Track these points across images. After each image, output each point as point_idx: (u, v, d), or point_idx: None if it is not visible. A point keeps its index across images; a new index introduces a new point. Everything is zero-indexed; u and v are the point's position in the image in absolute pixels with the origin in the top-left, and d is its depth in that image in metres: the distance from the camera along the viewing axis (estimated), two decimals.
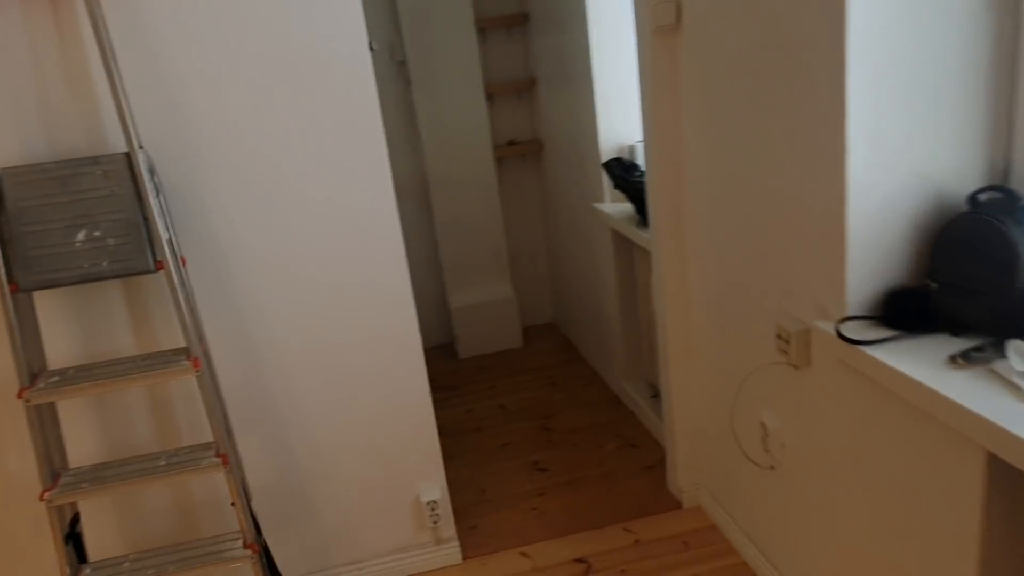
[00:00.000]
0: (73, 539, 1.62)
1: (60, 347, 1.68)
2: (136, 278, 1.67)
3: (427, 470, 1.97)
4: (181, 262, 1.60)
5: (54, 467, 1.56)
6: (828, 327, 1.31)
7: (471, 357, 3.45)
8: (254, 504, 1.85)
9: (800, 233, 1.39)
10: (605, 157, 2.54)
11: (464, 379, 3.23)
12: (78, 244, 1.49)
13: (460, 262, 3.38)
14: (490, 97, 3.37)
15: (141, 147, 1.49)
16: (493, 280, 3.43)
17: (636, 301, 2.65)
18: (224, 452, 1.59)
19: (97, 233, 1.50)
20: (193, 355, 1.54)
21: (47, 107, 1.55)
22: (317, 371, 1.82)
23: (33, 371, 1.53)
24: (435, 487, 1.99)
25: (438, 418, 2.89)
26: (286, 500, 1.90)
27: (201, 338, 1.64)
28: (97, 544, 1.82)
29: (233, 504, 1.61)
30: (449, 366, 3.38)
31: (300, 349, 1.80)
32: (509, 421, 2.81)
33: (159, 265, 1.52)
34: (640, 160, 2.44)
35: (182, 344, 1.68)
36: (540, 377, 3.15)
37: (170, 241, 1.53)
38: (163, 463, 1.59)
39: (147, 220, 1.50)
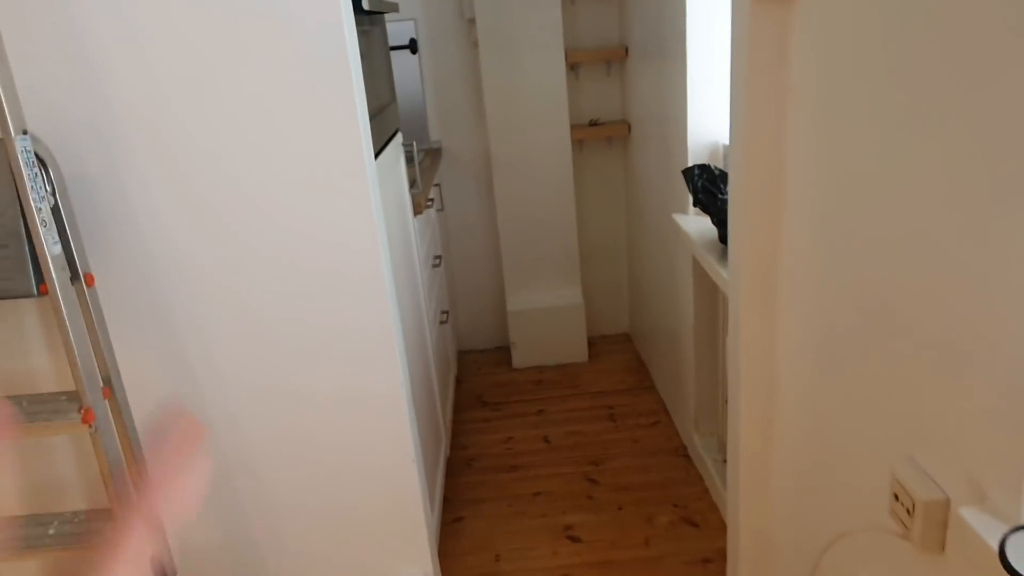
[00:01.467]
0: None
1: None
2: None
3: (410, 550, 1.56)
4: (86, 281, 1.24)
5: None
6: (983, 523, 0.77)
7: (526, 368, 3.00)
8: (190, 564, 1.51)
9: (974, 350, 0.83)
10: (692, 158, 1.98)
11: (512, 395, 2.80)
12: None
13: (523, 259, 2.92)
14: (573, 67, 2.84)
15: (25, 132, 1.12)
16: (560, 282, 2.95)
17: (716, 345, 2.10)
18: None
19: None
20: (85, 405, 1.18)
21: None
22: (275, 424, 1.44)
23: None
24: (417, 572, 1.58)
25: (472, 445, 2.49)
26: (233, 567, 1.55)
27: (110, 378, 1.28)
28: None
29: None
30: (499, 377, 2.95)
31: (253, 396, 1.42)
32: (551, 462, 2.36)
33: (42, 289, 1.16)
34: None
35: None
36: (599, 406, 2.66)
37: (64, 256, 1.17)
38: (51, 532, 1.26)
39: (29, 229, 1.13)
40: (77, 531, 1.25)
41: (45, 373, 1.39)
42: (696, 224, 1.96)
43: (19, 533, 1.27)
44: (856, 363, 1.09)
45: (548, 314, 2.94)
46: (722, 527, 1.98)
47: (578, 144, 2.94)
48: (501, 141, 2.76)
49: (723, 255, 1.70)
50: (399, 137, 1.90)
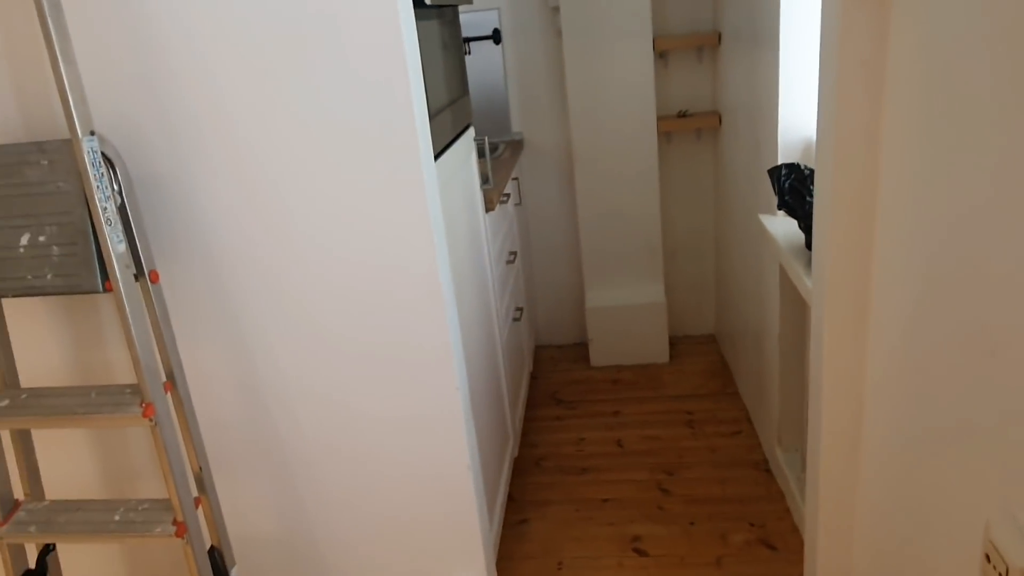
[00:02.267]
0: (38, 571, 1.41)
1: (49, 355, 1.44)
2: None
3: (465, 556, 1.54)
4: (151, 278, 1.27)
5: (4, 499, 1.33)
6: None
7: (604, 367, 2.92)
8: (248, 553, 1.54)
9: None
10: (782, 155, 1.83)
11: (587, 394, 2.73)
12: (21, 250, 1.20)
13: (603, 254, 2.83)
14: (662, 55, 2.71)
15: (92, 132, 1.14)
16: (642, 279, 2.85)
17: (803, 356, 1.95)
18: (183, 519, 1.27)
19: (42, 238, 1.20)
20: (147, 399, 1.21)
21: (21, 69, 1.26)
22: (331, 426, 1.44)
23: None
24: None
25: (542, 444, 2.44)
26: (291, 556, 1.57)
27: (173, 373, 1.31)
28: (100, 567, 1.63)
29: None
30: (575, 374, 2.89)
31: (311, 398, 1.42)
32: (622, 467, 2.28)
33: (107, 286, 1.19)
34: None
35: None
36: (677, 411, 2.55)
37: (129, 254, 1.19)
38: (116, 519, 1.30)
39: (95, 227, 1.16)
40: (139, 519, 1.29)
41: (120, 364, 1.44)
42: (783, 227, 1.82)
43: (89, 517, 1.32)
44: (953, 393, 0.96)
45: (628, 312, 2.84)
46: (803, 552, 1.84)
47: (665, 136, 2.81)
48: (583, 133, 2.68)
49: (809, 262, 1.56)
50: (470, 132, 1.86)
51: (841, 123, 1.16)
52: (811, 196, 1.54)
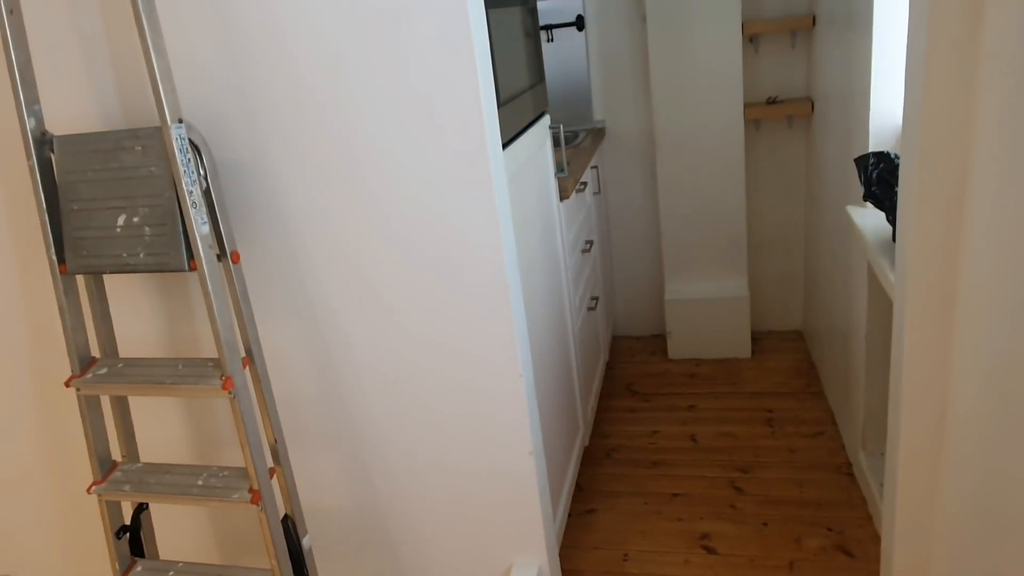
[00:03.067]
0: (131, 531, 1.52)
1: (144, 328, 1.55)
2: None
3: (527, 541, 1.55)
4: (233, 259, 1.34)
5: (103, 459, 1.45)
6: None
7: (682, 360, 2.86)
8: (320, 524, 1.61)
9: None
10: (874, 143, 1.74)
11: (663, 387, 2.69)
12: (118, 230, 1.30)
13: (685, 245, 2.77)
14: (751, 39, 2.62)
15: (180, 120, 1.22)
16: (725, 272, 2.77)
17: (890, 360, 1.85)
18: (258, 488, 1.34)
19: (136, 219, 1.28)
20: (226, 373, 1.29)
21: (120, 61, 1.35)
22: (400, 408, 1.48)
23: (83, 358, 1.41)
24: (532, 566, 1.56)
25: (614, 435, 2.42)
26: (360, 529, 1.63)
27: (251, 349, 1.38)
28: (188, 537, 1.74)
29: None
30: (652, 367, 2.85)
31: (380, 380, 1.46)
32: (695, 463, 2.23)
33: (192, 265, 1.27)
34: None
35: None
36: (756, 408, 2.47)
37: (212, 235, 1.27)
38: (200, 483, 1.39)
39: (182, 208, 1.24)
40: (220, 485, 1.38)
41: (206, 339, 1.54)
42: (871, 219, 1.73)
43: (176, 480, 1.41)
44: None
45: (708, 305, 2.77)
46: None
47: (753, 124, 2.71)
48: (667, 121, 2.62)
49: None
50: (546, 119, 1.86)
51: (929, 108, 1.09)
52: None
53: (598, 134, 2.73)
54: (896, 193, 1.44)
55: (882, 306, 1.82)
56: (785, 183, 2.78)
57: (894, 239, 1.49)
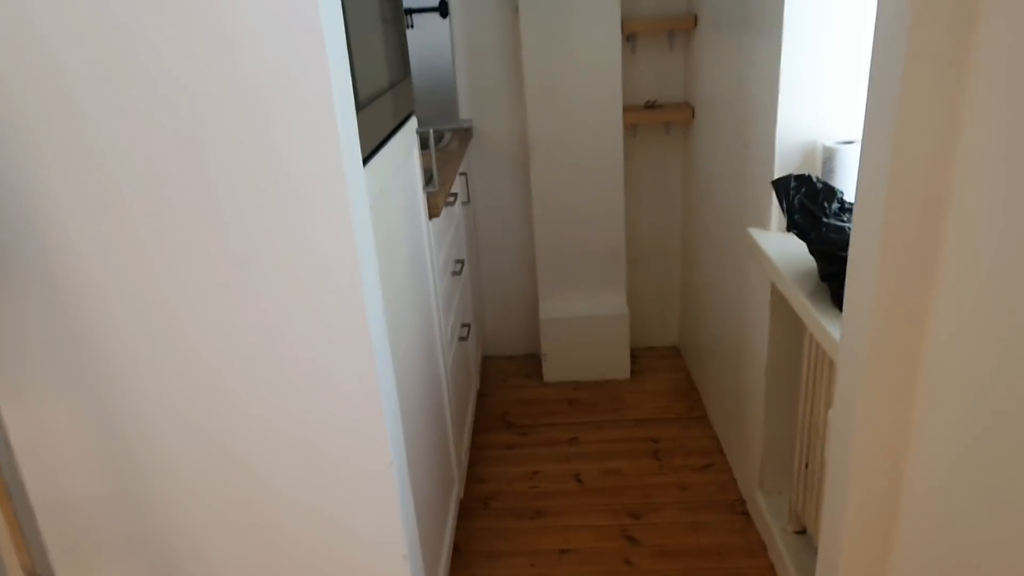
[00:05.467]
0: None
1: None
2: None
3: None
4: None
5: None
6: None
7: (558, 383, 2.64)
8: None
9: None
10: (780, 160, 1.57)
11: (541, 417, 2.44)
12: None
13: (560, 259, 2.54)
14: (629, 38, 2.42)
15: None
16: (602, 288, 2.57)
17: (793, 394, 1.71)
18: None
19: None
20: None
21: None
22: (227, 496, 1.10)
23: None
24: None
25: (491, 478, 2.15)
26: None
27: None
28: None
29: None
30: (527, 392, 2.60)
31: (197, 475, 1.08)
32: (582, 509, 2.00)
33: None
34: (845, 184, 1.46)
35: None
36: (641, 439, 2.29)
37: None
38: None
39: None
40: None
41: None
42: (780, 245, 1.56)
43: None
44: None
45: (586, 324, 2.56)
46: None
47: (631, 129, 2.52)
48: (541, 122, 2.37)
49: (822, 297, 1.30)
50: (412, 122, 1.53)
51: (901, 137, 0.88)
52: (827, 216, 1.27)
53: (465, 135, 2.43)
54: (822, 223, 1.26)
55: (789, 337, 1.66)
56: (662, 193, 2.62)
57: (821, 276, 1.31)
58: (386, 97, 1.29)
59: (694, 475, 2.10)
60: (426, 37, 2.43)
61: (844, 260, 1.22)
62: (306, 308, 0.97)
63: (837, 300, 1.25)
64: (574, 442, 2.30)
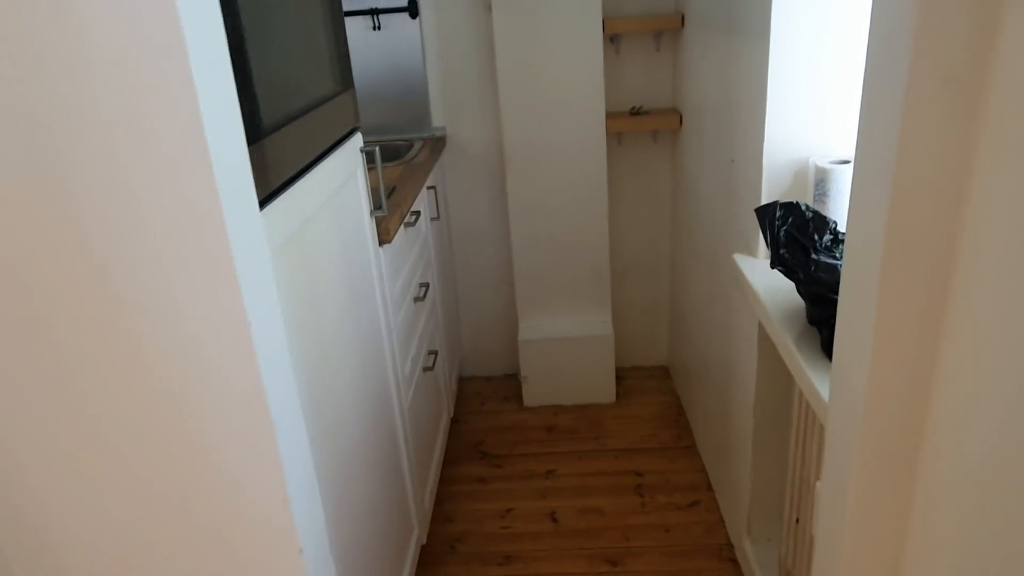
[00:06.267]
0: None
1: None
2: None
3: None
4: None
5: None
6: None
7: (539, 407, 2.48)
8: None
9: None
10: (767, 180, 1.40)
11: (518, 445, 2.29)
12: None
13: (541, 276, 2.37)
14: (612, 39, 2.25)
15: None
16: (585, 306, 2.41)
17: (782, 436, 1.54)
18: None
19: None
20: None
21: None
22: None
23: None
24: None
25: (460, 517, 1.99)
26: None
27: None
28: None
29: None
30: (505, 417, 2.44)
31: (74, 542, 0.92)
32: (557, 554, 1.84)
33: None
34: (840, 209, 1.29)
35: None
36: (623, 472, 2.13)
37: None
38: None
39: None
40: None
41: None
42: (768, 276, 1.39)
43: None
44: None
45: (568, 345, 2.40)
46: None
47: (615, 137, 2.36)
48: (517, 130, 2.21)
49: (812, 343, 1.14)
50: (355, 140, 1.37)
51: (904, 168, 0.72)
52: (817, 252, 1.10)
53: (437, 144, 2.27)
54: (812, 261, 1.09)
55: (776, 380, 1.50)
56: (650, 204, 2.45)
57: (809, 320, 1.15)
58: (313, 115, 1.13)
59: (679, 514, 1.94)
60: (395, 39, 2.26)
61: (835, 304, 1.06)
62: (182, 392, 0.81)
63: (828, 348, 1.08)
64: (551, 475, 2.14)
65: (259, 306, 0.81)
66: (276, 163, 0.96)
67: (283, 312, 0.95)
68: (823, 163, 1.32)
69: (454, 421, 2.42)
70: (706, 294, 1.99)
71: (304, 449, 0.94)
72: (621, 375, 2.61)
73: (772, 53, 1.33)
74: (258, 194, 0.89)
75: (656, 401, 2.46)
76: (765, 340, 1.47)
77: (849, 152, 1.36)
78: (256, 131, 0.89)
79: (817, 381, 1.05)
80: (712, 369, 1.97)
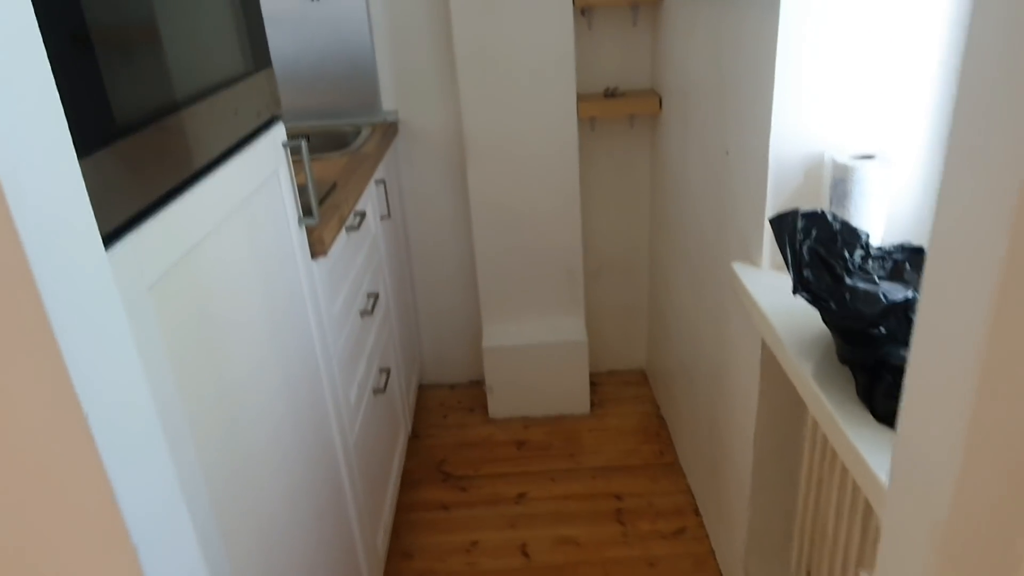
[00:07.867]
0: None
1: None
2: None
3: None
4: None
5: None
6: None
7: (506, 420, 2.26)
8: None
9: None
10: (775, 179, 1.18)
11: (484, 464, 2.07)
12: None
13: (506, 277, 2.14)
14: (584, 12, 2.01)
15: None
16: (557, 310, 2.19)
17: (788, 471, 1.34)
18: None
19: None
20: None
21: None
22: None
23: None
24: None
25: (420, 552, 1.77)
26: None
27: None
28: None
29: None
30: (470, 432, 2.21)
31: None
32: None
33: None
34: (862, 215, 1.08)
35: None
36: (601, 495, 1.93)
37: None
38: None
39: None
40: None
41: None
42: (774, 289, 1.18)
43: None
44: None
45: (538, 352, 2.18)
46: None
47: (588, 122, 2.12)
48: (477, 114, 1.96)
49: (840, 383, 0.93)
50: (277, 132, 1.11)
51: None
52: (851, 274, 0.89)
53: (388, 130, 2.01)
54: (845, 286, 0.88)
55: (783, 406, 1.29)
56: (627, 196, 2.23)
57: (840, 358, 0.93)
58: (208, 103, 0.87)
59: (664, 545, 1.75)
60: (337, 10, 1.99)
61: (877, 341, 0.84)
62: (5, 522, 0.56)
63: (866, 395, 0.87)
64: (522, 499, 1.93)
65: (102, 383, 0.56)
66: (145, 172, 0.71)
67: (161, 371, 0.70)
68: (843, 158, 1.11)
69: (413, 436, 2.19)
70: (693, 298, 1.78)
71: (189, 545, 0.71)
72: (596, 381, 2.40)
73: (781, 25, 1.11)
74: (116, 218, 0.64)
75: (634, 411, 2.26)
76: (770, 363, 1.26)
77: (873, 146, 1.14)
78: (106, 130, 0.64)
79: (860, 443, 0.84)
80: (698, 380, 1.76)
